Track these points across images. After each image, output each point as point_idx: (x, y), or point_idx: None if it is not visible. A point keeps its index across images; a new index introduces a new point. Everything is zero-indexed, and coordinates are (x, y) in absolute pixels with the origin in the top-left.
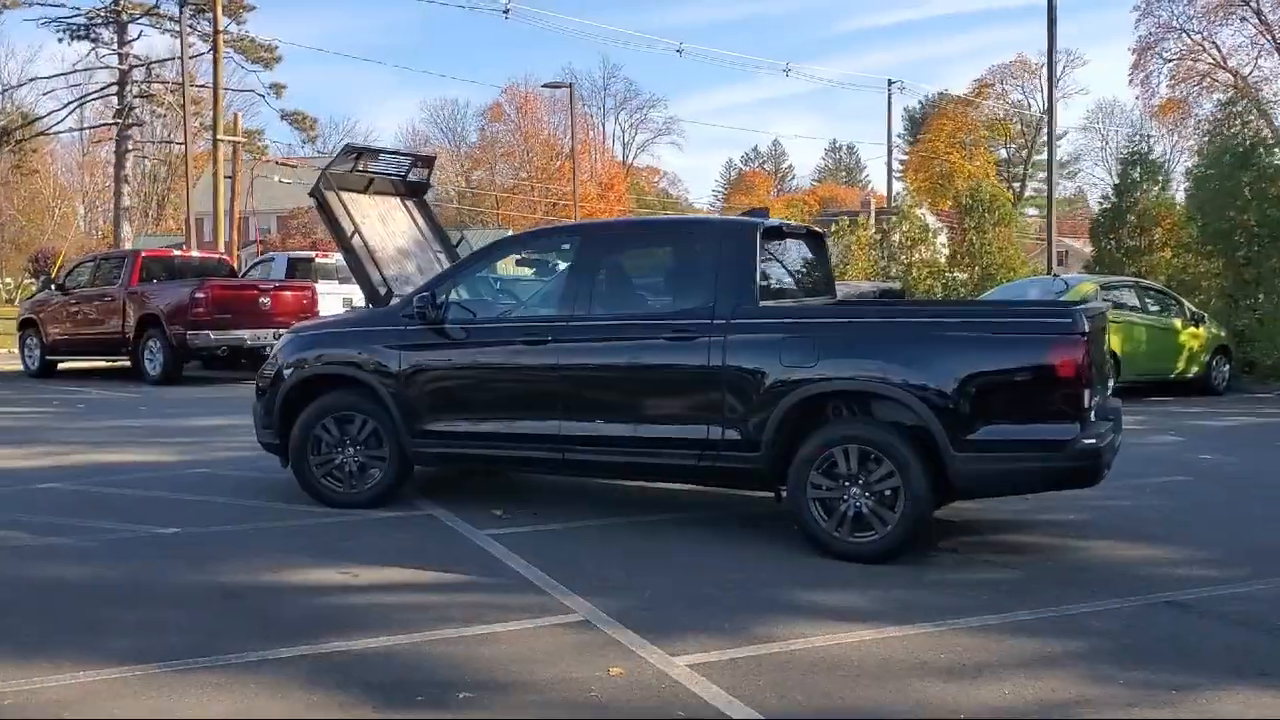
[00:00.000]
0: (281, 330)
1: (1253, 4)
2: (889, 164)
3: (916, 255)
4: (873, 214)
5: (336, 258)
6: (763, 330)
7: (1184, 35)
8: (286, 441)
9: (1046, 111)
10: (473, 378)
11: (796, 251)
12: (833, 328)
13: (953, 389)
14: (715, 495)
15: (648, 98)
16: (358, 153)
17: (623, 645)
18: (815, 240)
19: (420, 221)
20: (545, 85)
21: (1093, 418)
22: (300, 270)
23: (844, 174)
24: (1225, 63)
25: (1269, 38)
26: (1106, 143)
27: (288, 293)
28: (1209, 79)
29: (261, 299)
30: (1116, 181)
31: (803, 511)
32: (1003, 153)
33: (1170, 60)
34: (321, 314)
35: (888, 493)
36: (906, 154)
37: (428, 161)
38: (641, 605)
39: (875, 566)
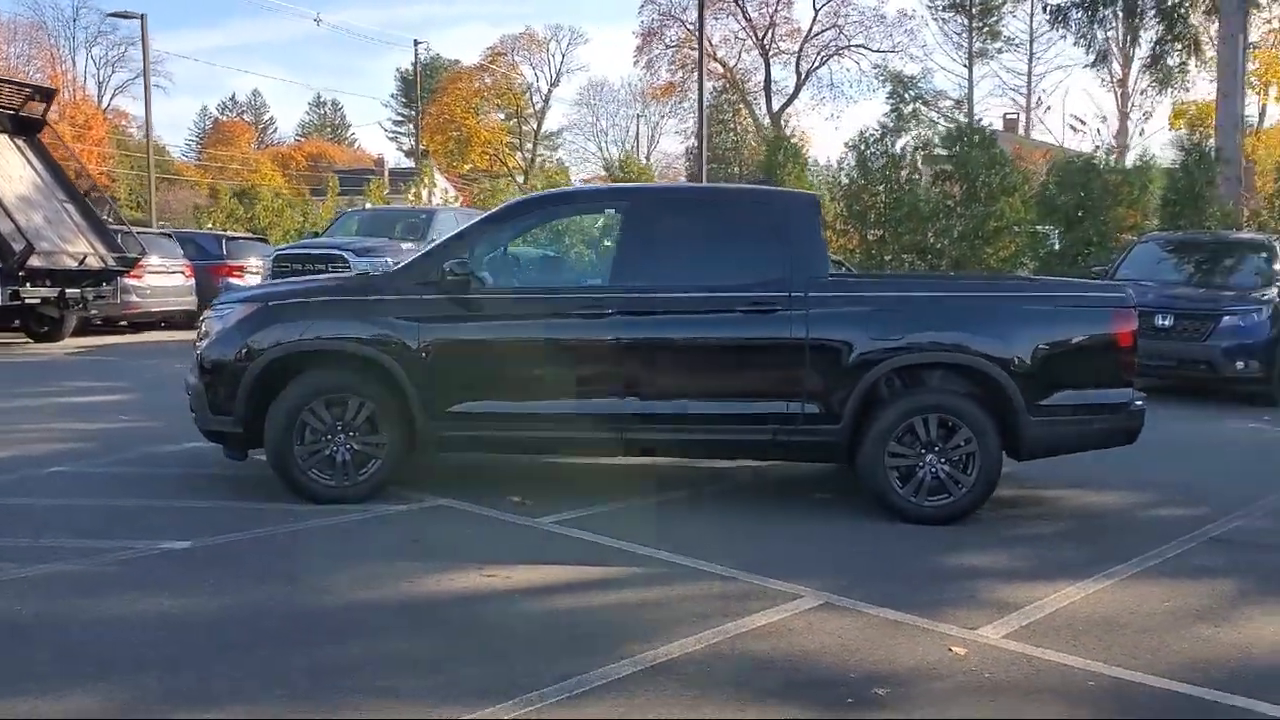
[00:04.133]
0: None
1: (739, 2)
2: (417, 124)
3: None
4: (386, 174)
5: None
6: (848, 303)
7: (683, 25)
8: (250, 429)
9: (698, 92)
10: (515, 354)
11: None
12: (920, 301)
13: (1031, 358)
14: (709, 467)
15: (126, 34)
16: None
17: (910, 625)
18: None
19: (37, 165)
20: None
21: None
22: None
23: (329, 131)
24: (715, 54)
25: (752, 36)
26: (598, 119)
27: None
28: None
29: None
30: (764, 160)
31: (879, 479)
32: (500, 116)
33: (671, 47)
34: None
35: (961, 458)
36: (401, 115)
37: (47, 95)
38: (850, 583)
39: (955, 528)
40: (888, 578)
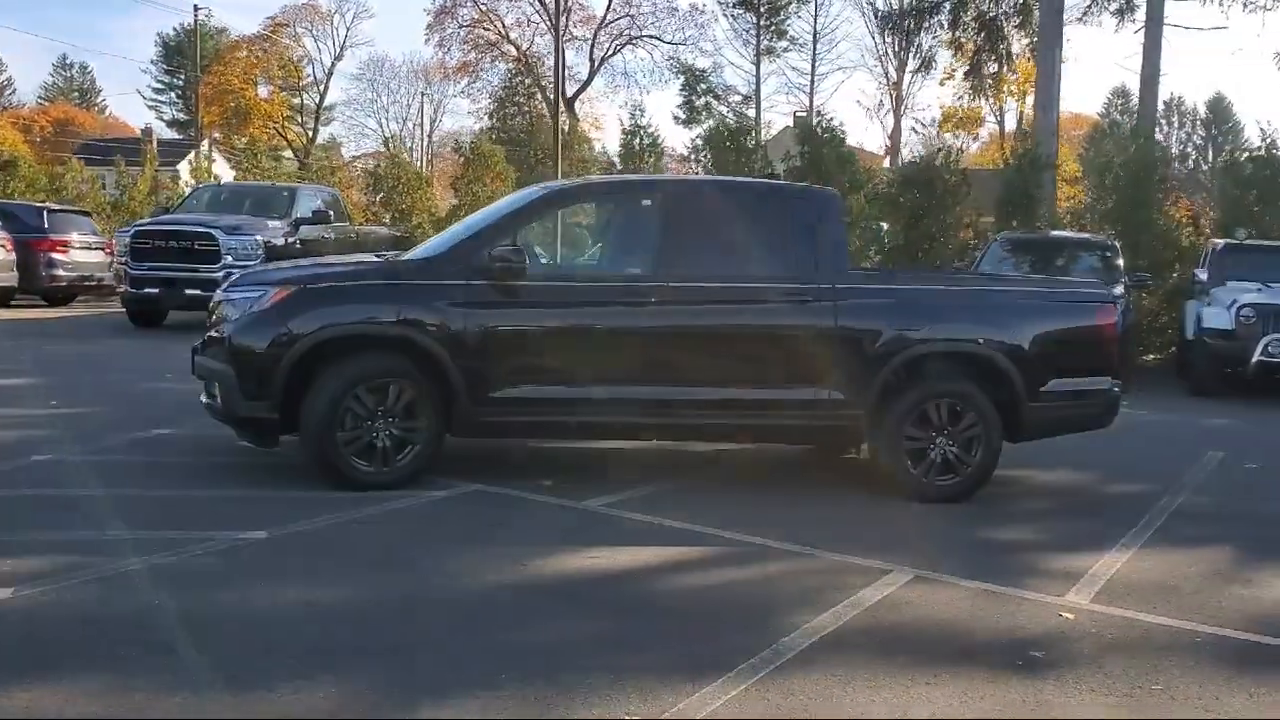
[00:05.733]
0: None
1: None
2: (196, 93)
3: (413, 202)
4: (154, 145)
5: None
6: (873, 295)
7: (476, 5)
8: (285, 415)
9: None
10: (559, 340)
11: None
12: (937, 295)
13: (1032, 349)
14: (701, 450)
15: None
16: None
17: (1007, 595)
18: None
19: None
20: None
21: None
22: None
23: (76, 95)
24: (508, 36)
25: (546, 20)
26: (378, 95)
27: None
28: (498, 49)
29: None
30: (622, 151)
31: (893, 461)
32: (276, 87)
33: (465, 26)
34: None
35: (968, 441)
36: (161, 83)
37: None
38: (918, 557)
39: (958, 506)
40: (947, 552)
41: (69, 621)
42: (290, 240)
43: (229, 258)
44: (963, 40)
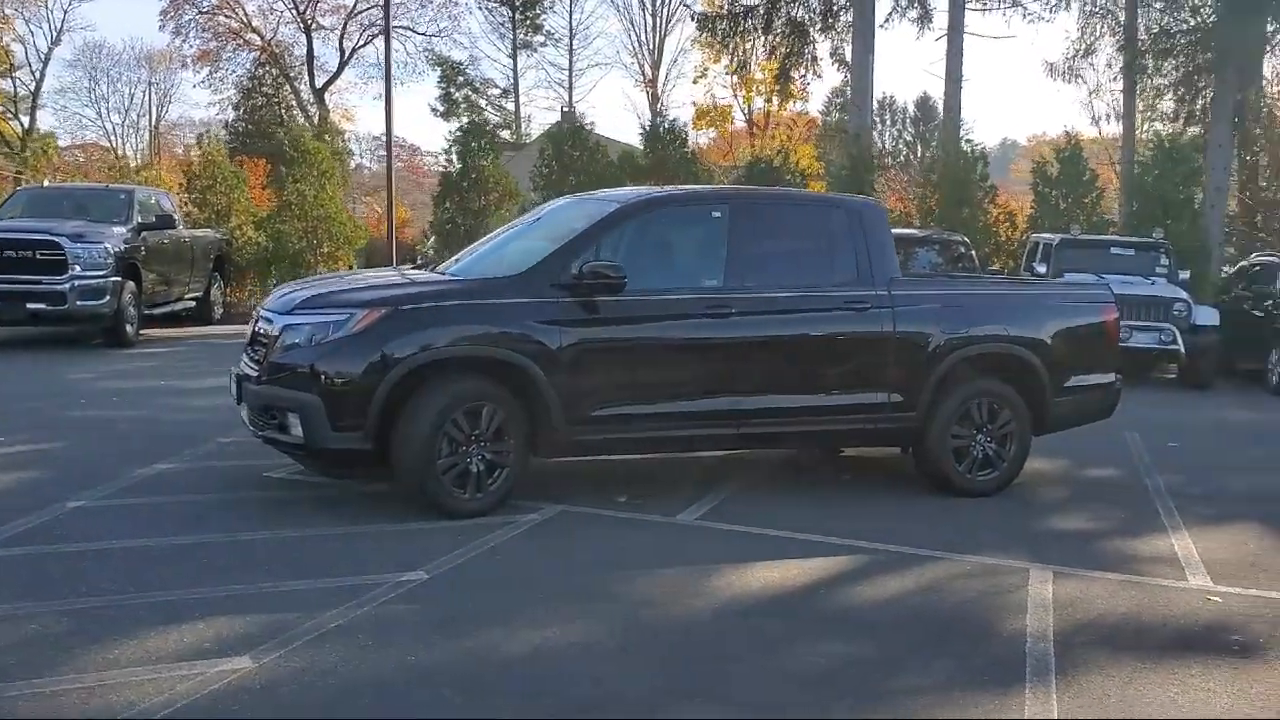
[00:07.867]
0: None
1: None
2: None
3: (230, 202)
4: None
5: None
6: (923, 301)
7: None
8: (380, 445)
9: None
10: (650, 355)
11: None
12: (976, 298)
13: (1057, 348)
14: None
15: None
16: None
17: (1148, 584)
18: None
19: None
20: None
21: None
22: None
23: None
24: (251, 24)
25: (292, 8)
26: (95, 82)
27: None
28: (240, 38)
29: None
30: (459, 149)
31: (942, 459)
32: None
33: (204, 13)
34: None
35: (1003, 436)
36: None
37: None
38: (1032, 551)
39: (999, 498)
40: (1046, 545)
41: (355, 688)
42: (134, 246)
43: (76, 268)
44: (775, 44)
